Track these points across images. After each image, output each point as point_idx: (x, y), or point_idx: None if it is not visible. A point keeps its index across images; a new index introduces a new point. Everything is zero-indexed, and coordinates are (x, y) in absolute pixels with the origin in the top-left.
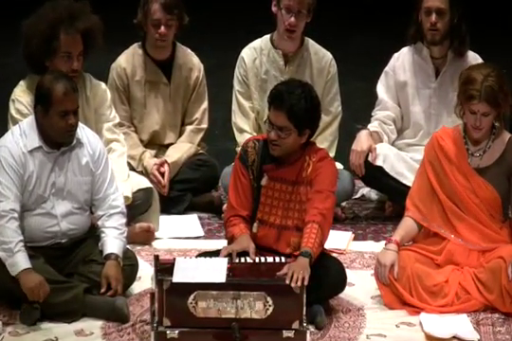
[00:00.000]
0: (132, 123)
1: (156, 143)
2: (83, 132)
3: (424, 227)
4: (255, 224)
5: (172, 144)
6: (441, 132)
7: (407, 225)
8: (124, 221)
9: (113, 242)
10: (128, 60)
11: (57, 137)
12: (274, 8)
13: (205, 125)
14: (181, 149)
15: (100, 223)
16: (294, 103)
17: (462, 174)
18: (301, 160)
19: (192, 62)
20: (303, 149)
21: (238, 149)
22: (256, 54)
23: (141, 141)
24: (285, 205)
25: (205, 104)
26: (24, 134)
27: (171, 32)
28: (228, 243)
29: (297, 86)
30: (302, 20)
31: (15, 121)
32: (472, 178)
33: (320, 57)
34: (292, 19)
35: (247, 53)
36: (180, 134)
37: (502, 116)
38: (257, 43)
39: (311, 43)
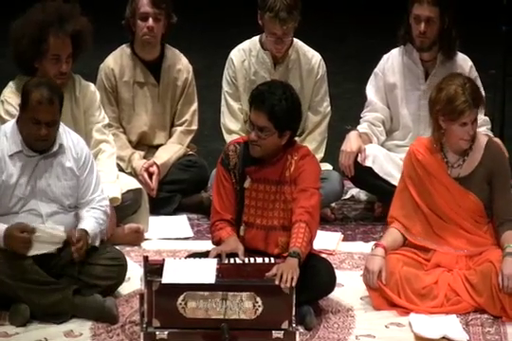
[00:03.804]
0: (120, 124)
1: (145, 144)
2: (69, 136)
3: (409, 241)
4: (242, 228)
5: (161, 145)
6: (417, 144)
7: (394, 234)
8: (105, 218)
9: (88, 221)
10: (116, 60)
11: (30, 142)
12: (260, 22)
13: (195, 127)
14: (170, 150)
15: (80, 214)
16: (275, 104)
17: (442, 186)
18: (284, 160)
19: (181, 63)
20: (285, 148)
21: None
22: (245, 55)
23: (130, 142)
24: (270, 205)
25: (194, 106)
26: (5, 136)
27: (159, 27)
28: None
29: (278, 87)
30: (289, 37)
31: (4, 122)
32: (453, 188)
33: (309, 58)
34: (280, 32)
35: (236, 54)
36: (170, 135)
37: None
38: (246, 44)
39: (300, 44)
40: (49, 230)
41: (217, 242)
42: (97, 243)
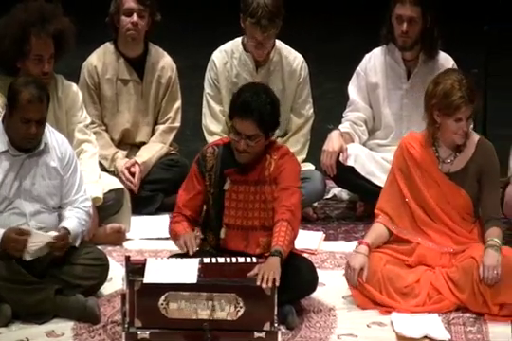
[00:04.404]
0: (103, 121)
1: (128, 142)
2: (53, 136)
3: (394, 234)
4: (222, 230)
5: (144, 143)
6: (409, 138)
7: (377, 230)
8: (87, 218)
9: (70, 221)
10: (99, 58)
11: (17, 141)
12: (242, 25)
13: (178, 124)
14: (152, 149)
15: (63, 213)
16: (262, 111)
17: (433, 180)
18: (263, 159)
19: (165, 60)
20: (264, 148)
21: None
22: (227, 57)
23: (112, 140)
24: (250, 205)
25: (178, 103)
26: None
27: (142, 24)
28: (173, 240)
29: (259, 91)
30: (270, 42)
31: None
32: (443, 184)
33: (292, 60)
34: (261, 38)
35: (218, 56)
36: (153, 134)
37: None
38: (228, 46)
39: (282, 45)
40: (41, 235)
41: (173, 236)
42: (77, 244)
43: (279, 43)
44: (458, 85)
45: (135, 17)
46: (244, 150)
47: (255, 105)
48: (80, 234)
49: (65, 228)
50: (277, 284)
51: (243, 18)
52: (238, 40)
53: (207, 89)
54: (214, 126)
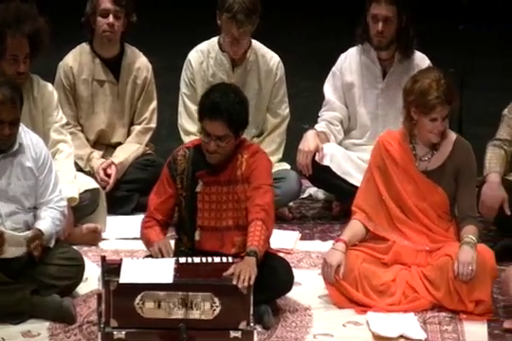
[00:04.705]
0: (78, 122)
1: (104, 142)
2: (28, 136)
3: (370, 231)
4: (197, 232)
5: (119, 143)
6: (387, 135)
7: (355, 228)
8: (62, 218)
9: (44, 222)
10: (75, 58)
11: None
12: (218, 22)
13: (153, 125)
14: (128, 149)
15: (37, 213)
16: (231, 111)
17: (410, 179)
18: (234, 159)
19: (141, 61)
20: (235, 148)
21: None
22: (203, 57)
23: (88, 140)
24: (223, 206)
25: (154, 104)
26: None
27: (118, 25)
28: (146, 246)
29: (227, 92)
30: (246, 39)
31: None
32: (421, 182)
33: (268, 59)
34: (237, 34)
35: (194, 56)
36: (128, 134)
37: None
38: (204, 45)
39: (258, 45)
40: (15, 236)
41: (146, 242)
42: (51, 244)
43: (255, 42)
44: (436, 85)
45: (111, 18)
46: (214, 151)
47: (224, 106)
48: (54, 234)
49: (39, 229)
50: (252, 283)
51: (219, 14)
52: (214, 40)
53: (183, 89)
54: (190, 126)
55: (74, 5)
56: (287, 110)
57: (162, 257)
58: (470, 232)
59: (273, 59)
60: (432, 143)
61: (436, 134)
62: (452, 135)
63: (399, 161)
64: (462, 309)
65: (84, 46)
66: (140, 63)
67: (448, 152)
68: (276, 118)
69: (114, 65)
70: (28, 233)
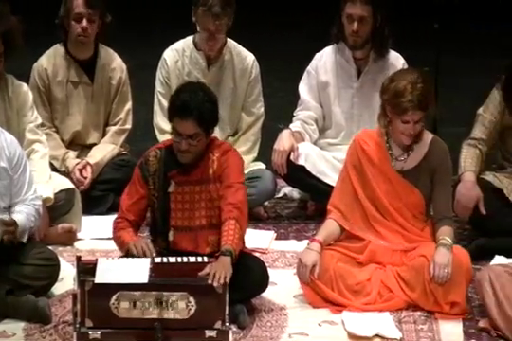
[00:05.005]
0: (53, 124)
1: (79, 143)
2: (2, 136)
3: (346, 231)
4: (171, 232)
5: (94, 144)
6: (363, 134)
7: (330, 227)
8: (36, 216)
9: (19, 216)
10: (50, 60)
11: None
12: (194, 19)
13: (129, 126)
14: (104, 149)
15: (12, 210)
16: (201, 110)
17: (385, 178)
18: (206, 158)
19: (115, 62)
20: (206, 147)
21: None
22: (178, 56)
23: (63, 141)
24: (196, 205)
25: (129, 105)
26: None
27: (92, 28)
28: (119, 248)
29: (196, 90)
30: (222, 33)
31: None
32: (396, 181)
33: (243, 58)
34: (214, 28)
35: (169, 55)
36: (103, 135)
37: (425, 117)
38: (179, 44)
39: (234, 44)
40: None
41: (120, 244)
42: (24, 239)
43: (230, 41)
44: (411, 88)
45: (84, 22)
46: (186, 150)
47: (194, 104)
48: (27, 230)
49: (14, 220)
50: (227, 281)
51: (194, 9)
52: (189, 38)
53: (158, 87)
54: (166, 124)
55: (48, 6)
56: (262, 109)
57: (145, 255)
58: (446, 234)
59: (248, 58)
60: (404, 144)
61: (407, 136)
62: (429, 136)
63: (375, 160)
64: (437, 310)
65: (58, 48)
66: (115, 64)
67: (423, 152)
68: (251, 117)
69: (88, 67)
70: (5, 216)
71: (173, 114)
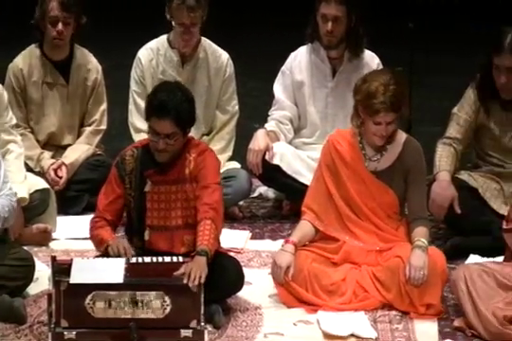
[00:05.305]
0: (28, 124)
1: (54, 144)
2: None
3: (320, 231)
4: (146, 232)
5: (69, 145)
6: (336, 135)
7: (304, 228)
8: (10, 208)
9: None
10: (25, 60)
11: None
12: (168, 15)
13: (104, 126)
14: (79, 150)
15: None
16: (179, 109)
17: (359, 178)
18: (182, 158)
19: (91, 62)
20: (183, 146)
21: None
22: (153, 54)
23: (38, 142)
24: (172, 205)
25: (104, 105)
26: None
27: (68, 30)
28: (96, 246)
29: (174, 90)
30: (197, 27)
31: None
32: (370, 182)
33: (217, 57)
34: (188, 21)
35: (144, 53)
36: (78, 136)
37: (398, 118)
38: (153, 43)
39: (208, 42)
40: None
41: (98, 241)
42: None
43: (204, 40)
44: (383, 90)
45: (60, 26)
46: (163, 149)
47: (172, 104)
48: (1, 219)
49: None
50: (202, 281)
51: (168, 5)
52: (163, 37)
53: (133, 86)
54: (141, 123)
55: (24, 6)
56: (236, 107)
57: (124, 255)
58: (421, 235)
59: (222, 56)
60: (376, 145)
61: (380, 137)
62: (402, 136)
63: (349, 160)
64: (413, 311)
65: (34, 49)
66: (91, 65)
67: (397, 152)
68: (225, 115)
69: (64, 67)
70: None
71: (150, 113)
